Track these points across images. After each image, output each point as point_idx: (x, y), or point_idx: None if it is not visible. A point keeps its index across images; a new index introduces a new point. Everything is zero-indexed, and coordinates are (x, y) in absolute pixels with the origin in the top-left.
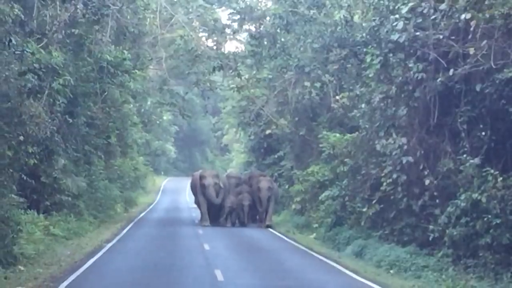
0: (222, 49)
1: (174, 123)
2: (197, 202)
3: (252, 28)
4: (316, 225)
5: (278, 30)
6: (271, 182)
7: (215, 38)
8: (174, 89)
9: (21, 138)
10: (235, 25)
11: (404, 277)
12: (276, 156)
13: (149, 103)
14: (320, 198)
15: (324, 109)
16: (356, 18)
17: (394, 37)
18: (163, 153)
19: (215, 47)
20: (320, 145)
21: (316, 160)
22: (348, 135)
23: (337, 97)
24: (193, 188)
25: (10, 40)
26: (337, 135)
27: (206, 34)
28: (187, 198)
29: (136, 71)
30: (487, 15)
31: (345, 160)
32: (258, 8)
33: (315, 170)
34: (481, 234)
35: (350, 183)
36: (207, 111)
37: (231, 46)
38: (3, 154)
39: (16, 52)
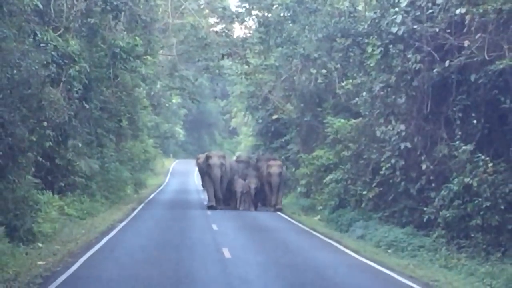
0: (231, 36)
1: (183, 106)
2: (203, 183)
3: (260, 15)
4: (321, 207)
5: (285, 20)
6: (281, 167)
7: (224, 26)
8: (184, 74)
9: (45, 123)
10: (244, 12)
11: (401, 256)
12: (283, 140)
13: (158, 86)
14: (324, 181)
15: (330, 95)
16: (359, 9)
17: (394, 29)
18: (172, 136)
19: (224, 34)
20: (325, 130)
21: (321, 144)
22: (352, 120)
23: (342, 83)
24: (200, 168)
25: (36, 34)
26: (342, 120)
27: (216, 21)
28: (196, 180)
29: (148, 56)
30: (481, 10)
31: (349, 144)
32: None
33: (320, 154)
34: (472, 216)
35: (353, 167)
36: (216, 96)
37: (239, 32)
38: (23, 137)
39: (41, 45)
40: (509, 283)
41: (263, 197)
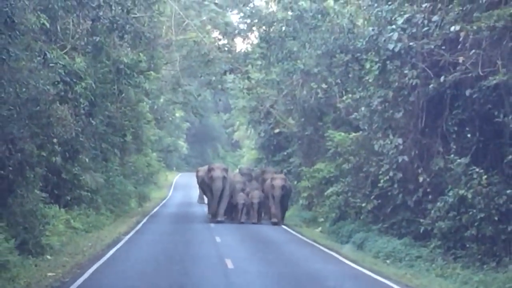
0: (233, 51)
1: (186, 119)
2: (206, 196)
3: (262, 31)
4: (322, 219)
5: (285, 36)
6: (285, 180)
7: (226, 42)
8: (187, 89)
9: (55, 140)
10: (245, 28)
11: (399, 266)
12: (285, 153)
13: (162, 100)
14: (325, 193)
15: (330, 109)
16: (358, 25)
17: (391, 46)
18: (175, 149)
19: (226, 49)
20: (326, 144)
21: (322, 157)
22: (353, 134)
23: (343, 98)
24: (201, 181)
25: (45, 54)
26: (342, 134)
27: (219, 37)
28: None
29: (151, 72)
30: (475, 27)
31: (349, 158)
32: (267, 12)
33: (321, 167)
34: (467, 227)
35: (353, 180)
36: (218, 111)
37: (241, 46)
38: (32, 153)
39: (51, 65)
40: None
41: (266, 210)
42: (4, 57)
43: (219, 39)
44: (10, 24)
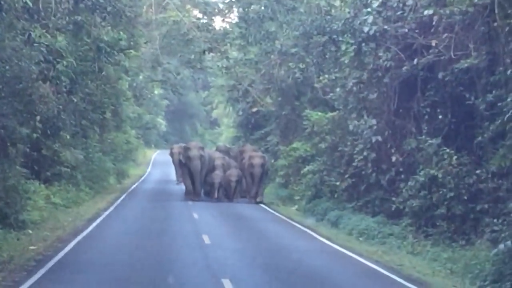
0: (212, 31)
1: (165, 97)
2: (179, 174)
3: (241, 11)
4: (298, 197)
5: (263, 17)
6: (264, 158)
7: (205, 21)
8: (166, 67)
9: (38, 117)
10: (225, 8)
11: (371, 243)
12: (263, 131)
13: (141, 77)
14: (302, 172)
15: (308, 89)
16: (336, 6)
17: (366, 29)
18: (154, 127)
19: (205, 29)
20: (303, 123)
21: (299, 136)
22: (330, 113)
23: (320, 78)
24: (175, 160)
25: (30, 35)
26: (319, 113)
27: (199, 16)
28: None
29: (131, 50)
30: (448, 11)
31: (325, 137)
32: None
33: (297, 146)
34: (438, 206)
35: (328, 159)
36: (197, 91)
37: (220, 25)
38: (14, 129)
39: (35, 44)
40: (466, 266)
41: (244, 188)
42: None
43: (199, 18)
44: None
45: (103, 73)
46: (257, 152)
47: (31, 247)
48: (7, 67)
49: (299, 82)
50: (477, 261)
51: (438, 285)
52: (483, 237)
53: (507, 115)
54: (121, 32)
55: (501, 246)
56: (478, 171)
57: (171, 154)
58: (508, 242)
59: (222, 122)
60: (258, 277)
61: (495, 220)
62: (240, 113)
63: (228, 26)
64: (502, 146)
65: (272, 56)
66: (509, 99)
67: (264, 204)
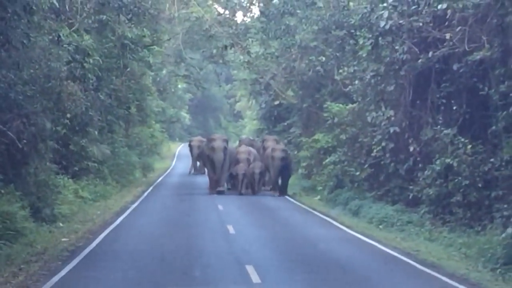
0: (234, 26)
1: (188, 90)
2: (195, 166)
3: (262, 6)
4: (320, 188)
5: (283, 13)
6: (285, 152)
7: (227, 15)
8: (189, 62)
9: (68, 115)
10: (246, 2)
11: (390, 231)
12: (285, 123)
13: (164, 72)
14: (324, 163)
15: (328, 81)
16: (354, 1)
17: (382, 23)
18: (178, 120)
19: (227, 24)
20: (324, 115)
21: (320, 128)
22: (350, 105)
23: (340, 71)
24: (194, 152)
25: (59, 36)
26: (340, 105)
27: (220, 11)
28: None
29: (155, 46)
30: (461, 5)
31: (346, 128)
32: None
33: (319, 138)
34: (453, 193)
35: (349, 150)
36: (220, 85)
37: (242, 19)
38: (44, 126)
39: (64, 46)
40: (480, 251)
41: (268, 181)
42: (24, 41)
43: (220, 14)
44: (29, 10)
45: (128, 69)
46: (279, 145)
47: (63, 239)
48: (36, 66)
49: (320, 74)
50: (490, 245)
51: (451, 268)
52: (494, 222)
53: None
54: (144, 29)
55: (509, 229)
56: (492, 159)
57: (190, 147)
58: None
59: (245, 115)
60: (280, 263)
61: (505, 206)
62: (263, 105)
63: (249, 20)
64: None
65: (292, 50)
66: None
67: (287, 195)
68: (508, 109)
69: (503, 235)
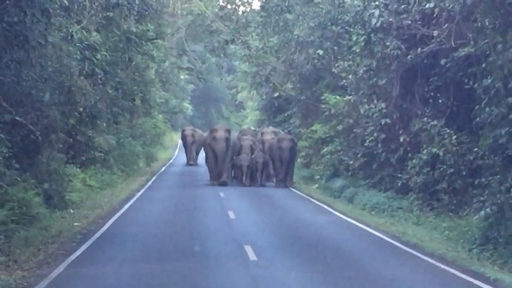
0: (235, 20)
1: (191, 81)
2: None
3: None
4: (318, 176)
5: (281, 10)
6: (293, 141)
7: (229, 9)
8: (192, 54)
9: (80, 109)
10: None
11: (381, 216)
12: (286, 114)
13: (167, 64)
14: (321, 153)
15: (326, 74)
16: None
17: (373, 21)
18: (180, 111)
19: (228, 19)
20: (322, 106)
21: (318, 119)
22: (347, 97)
23: (336, 64)
24: (185, 141)
25: (72, 36)
26: (337, 97)
27: (222, 4)
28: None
29: (158, 40)
30: (447, 4)
31: (342, 119)
32: None
33: (317, 129)
34: (439, 181)
35: (345, 140)
36: (221, 78)
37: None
38: (56, 119)
39: (77, 45)
40: (460, 233)
41: (271, 171)
42: (42, 42)
43: (222, 8)
44: (46, 14)
45: (133, 62)
46: (285, 135)
47: (76, 224)
48: (49, 62)
49: (318, 67)
50: (469, 228)
51: (430, 249)
52: (472, 206)
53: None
54: (148, 24)
55: (482, 212)
56: (476, 149)
57: (184, 136)
58: (488, 209)
59: (247, 105)
60: (276, 244)
61: (483, 192)
62: (264, 96)
63: (250, 14)
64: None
65: (291, 45)
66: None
67: (291, 186)
68: (491, 102)
69: (476, 216)
